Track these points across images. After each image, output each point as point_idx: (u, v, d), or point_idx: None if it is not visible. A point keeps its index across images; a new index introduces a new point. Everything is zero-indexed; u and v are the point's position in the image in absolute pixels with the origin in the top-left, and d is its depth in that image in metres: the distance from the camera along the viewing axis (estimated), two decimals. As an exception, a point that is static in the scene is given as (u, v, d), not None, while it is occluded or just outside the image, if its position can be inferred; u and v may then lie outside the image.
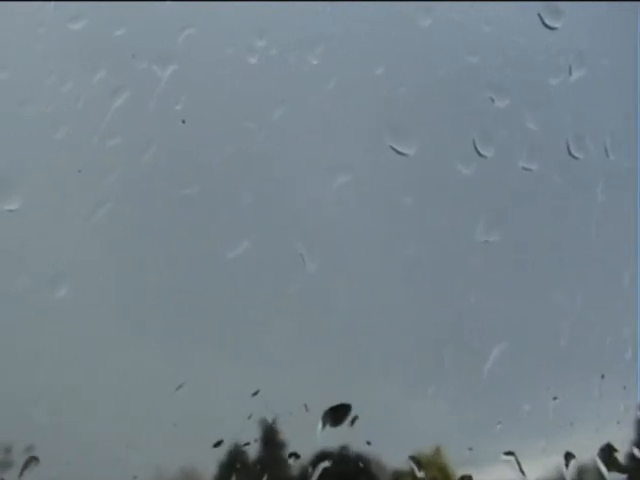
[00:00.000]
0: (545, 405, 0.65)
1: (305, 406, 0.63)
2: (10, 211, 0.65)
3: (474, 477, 0.63)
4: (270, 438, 0.63)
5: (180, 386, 0.63)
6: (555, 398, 0.65)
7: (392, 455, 0.62)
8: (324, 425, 0.62)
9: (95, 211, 0.65)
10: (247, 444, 0.62)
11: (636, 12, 0.71)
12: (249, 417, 0.62)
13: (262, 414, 0.63)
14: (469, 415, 0.65)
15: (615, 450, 0.65)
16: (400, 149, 0.67)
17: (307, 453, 0.63)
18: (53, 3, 0.69)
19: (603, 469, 0.64)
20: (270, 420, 0.63)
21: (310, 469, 0.62)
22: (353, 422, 0.63)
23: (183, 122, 0.66)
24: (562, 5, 0.70)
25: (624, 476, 0.65)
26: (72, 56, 0.68)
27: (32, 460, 0.62)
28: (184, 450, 0.62)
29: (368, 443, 0.62)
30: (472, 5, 0.70)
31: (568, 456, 0.64)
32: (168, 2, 0.69)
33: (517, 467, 0.63)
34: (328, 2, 0.69)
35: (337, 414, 0.63)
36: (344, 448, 0.62)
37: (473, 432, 0.65)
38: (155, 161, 0.66)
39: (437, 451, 0.64)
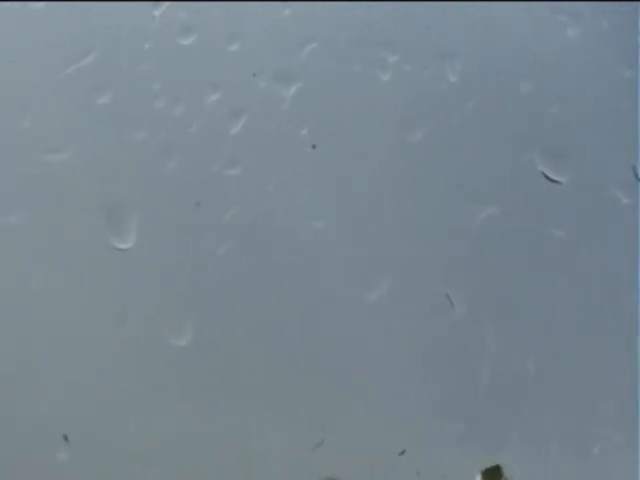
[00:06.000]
0: None
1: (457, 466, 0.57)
2: (121, 250, 0.59)
3: None
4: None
5: (319, 444, 0.57)
6: None
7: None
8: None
9: (216, 249, 0.59)
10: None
11: None
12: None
13: (408, 475, 0.57)
14: (633, 473, 0.58)
15: None
16: (552, 176, 0.60)
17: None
18: (159, 16, 0.62)
19: None
20: None
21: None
22: None
23: (313, 147, 0.59)
24: None
25: None
26: (183, 75, 0.61)
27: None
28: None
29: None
30: (625, 12, 0.63)
31: None
32: (288, 12, 0.62)
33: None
34: (465, 12, 0.62)
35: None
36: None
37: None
38: (281, 192, 0.59)
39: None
